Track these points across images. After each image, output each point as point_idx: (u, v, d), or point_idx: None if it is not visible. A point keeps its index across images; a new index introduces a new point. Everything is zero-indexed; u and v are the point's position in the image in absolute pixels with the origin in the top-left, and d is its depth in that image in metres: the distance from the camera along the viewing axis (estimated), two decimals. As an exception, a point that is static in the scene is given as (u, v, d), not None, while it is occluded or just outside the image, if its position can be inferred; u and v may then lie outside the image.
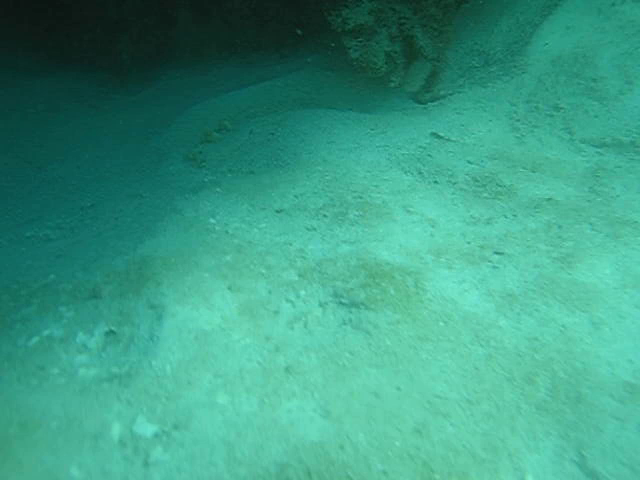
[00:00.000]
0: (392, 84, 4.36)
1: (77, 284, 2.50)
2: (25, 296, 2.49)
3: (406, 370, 2.04)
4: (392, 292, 2.31)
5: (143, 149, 4.48)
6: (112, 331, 2.20)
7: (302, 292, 2.40)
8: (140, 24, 5.18)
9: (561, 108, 3.78)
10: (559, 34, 4.13)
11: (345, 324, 2.24)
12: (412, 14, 4.23)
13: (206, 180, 3.75)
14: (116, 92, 5.50)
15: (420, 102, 4.44)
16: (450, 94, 4.34)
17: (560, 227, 2.75)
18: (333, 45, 4.54)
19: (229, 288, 2.40)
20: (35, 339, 2.19)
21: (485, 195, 3.23)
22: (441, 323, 2.21)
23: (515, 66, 4.14)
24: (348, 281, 2.41)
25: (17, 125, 4.93)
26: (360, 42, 4.19)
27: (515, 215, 2.94)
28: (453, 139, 3.83)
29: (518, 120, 3.88)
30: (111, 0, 4.82)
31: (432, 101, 4.42)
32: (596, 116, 3.65)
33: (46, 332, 2.24)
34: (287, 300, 2.38)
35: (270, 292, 2.41)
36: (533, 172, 3.40)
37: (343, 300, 2.33)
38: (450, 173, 3.45)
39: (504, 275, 2.49)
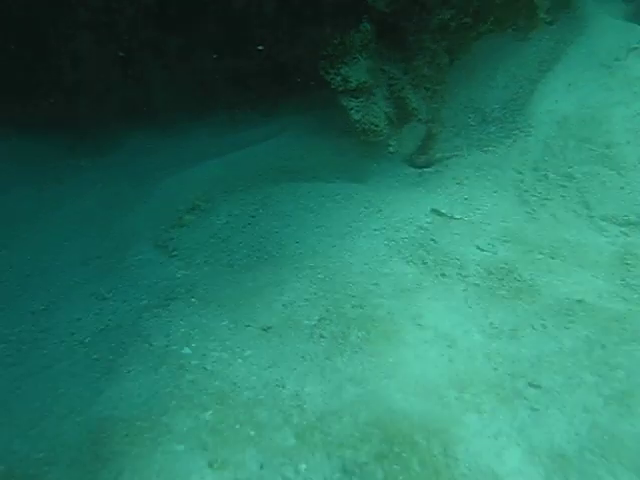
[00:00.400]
0: (391, 148, 3.94)
1: (12, 465, 1.97)
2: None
3: None
4: (417, 469, 1.83)
5: (108, 232, 3.97)
6: None
7: (302, 466, 1.91)
8: (101, 85, 4.69)
9: (574, 178, 3.39)
10: (561, 92, 3.77)
11: (361, 517, 1.75)
12: (402, 74, 3.83)
13: (179, 276, 3.26)
14: (78, 158, 4.98)
15: (415, 166, 4.02)
16: (447, 158, 3.94)
17: (604, 347, 2.32)
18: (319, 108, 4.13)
19: (210, 465, 1.90)
20: None
21: (503, 293, 2.79)
22: (484, 514, 1.73)
23: (517, 128, 3.76)
24: (359, 448, 1.93)
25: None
26: (361, 102, 3.77)
27: (544, 326, 2.51)
28: (457, 217, 3.41)
29: (526, 191, 3.48)
30: (66, 64, 4.32)
31: (427, 165, 4.01)
32: (614, 188, 3.27)
33: None
34: (284, 479, 1.88)
35: (262, 466, 1.92)
36: (552, 259, 2.99)
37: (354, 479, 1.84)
38: (459, 263, 3.02)
39: (547, 423, 2.04)
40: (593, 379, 2.19)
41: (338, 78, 3.60)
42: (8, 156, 5.08)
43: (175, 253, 3.49)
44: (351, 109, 3.73)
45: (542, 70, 3.84)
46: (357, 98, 3.78)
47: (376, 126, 3.78)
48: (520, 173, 3.58)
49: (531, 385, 2.22)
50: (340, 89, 3.63)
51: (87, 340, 2.79)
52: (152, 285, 3.22)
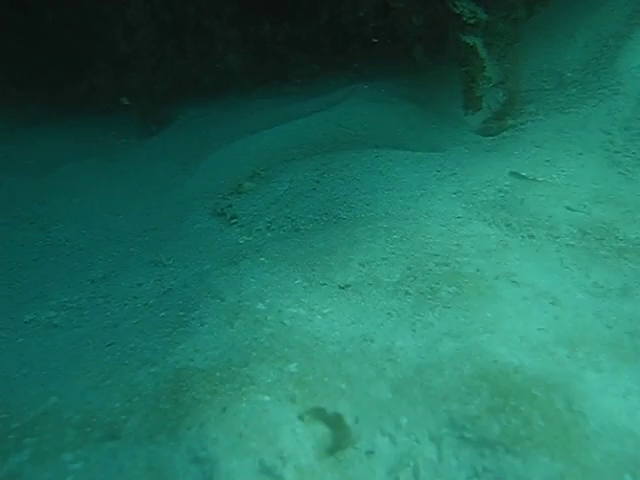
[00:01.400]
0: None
1: (88, 413, 1.81)
2: (17, 432, 1.81)
3: None
4: (540, 423, 1.59)
5: (162, 203, 3.85)
6: (139, 501, 1.50)
7: (403, 419, 1.69)
8: (154, 59, 4.59)
9: (674, 134, 3.08)
10: (654, 46, 3.45)
11: (478, 476, 1.52)
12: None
13: (241, 242, 3.09)
14: (129, 136, 4.90)
15: (487, 134, 3.77)
16: (521, 123, 3.66)
17: None
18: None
19: (300, 418, 1.70)
20: (26, 515, 1.50)
21: (604, 253, 2.52)
22: (627, 476, 1.47)
23: (603, 87, 3.47)
24: (468, 402, 1.70)
25: (18, 180, 4.33)
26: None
27: (661, 283, 2.22)
28: (539, 179, 3.14)
29: (618, 152, 3.19)
30: (120, 34, 4.23)
31: (499, 132, 3.75)
32: None
33: (43, 501, 1.55)
34: (383, 433, 1.67)
35: (357, 420, 1.71)
36: (657, 218, 2.69)
37: (467, 434, 1.61)
38: (548, 224, 2.75)
39: (684, 382, 1.76)
40: None
41: (467, 10, 3.31)
42: (61, 135, 5.04)
43: (235, 220, 3.32)
44: (477, 46, 3.41)
45: (632, 24, 3.53)
46: (477, 37, 3.48)
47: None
48: (609, 134, 3.29)
49: (656, 343, 1.95)
50: (471, 22, 3.31)
51: (151, 302, 2.65)
52: (214, 251, 3.07)
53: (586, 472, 1.48)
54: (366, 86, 4.15)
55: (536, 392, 1.70)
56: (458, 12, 3.22)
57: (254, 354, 1.94)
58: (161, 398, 1.77)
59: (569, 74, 3.73)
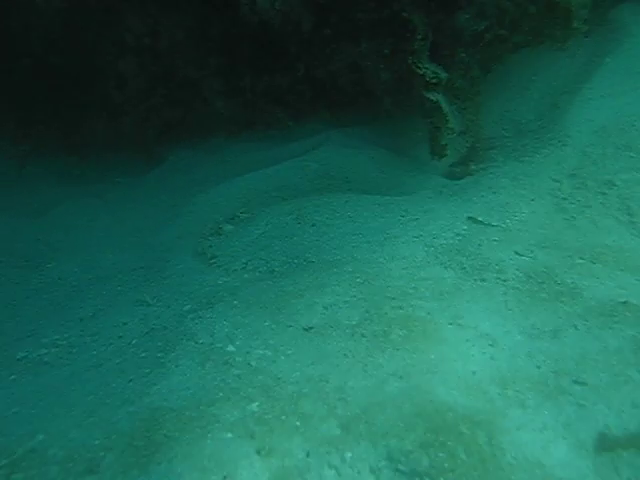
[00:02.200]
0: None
1: (71, 450, 2.05)
2: (5, 469, 2.04)
3: None
4: (463, 456, 1.84)
5: (149, 243, 4.11)
6: (113, 528, 1.74)
7: (348, 454, 1.94)
8: (144, 106, 4.90)
9: (614, 185, 3.38)
10: (599, 102, 3.78)
11: (408, 504, 1.76)
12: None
13: (220, 282, 3.34)
14: (120, 176, 5.19)
15: (451, 178, 4.07)
16: (482, 169, 3.97)
17: (650, 346, 2.29)
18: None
19: (258, 452, 1.94)
20: None
21: (543, 296, 2.79)
22: (532, 502, 1.73)
23: (554, 138, 3.78)
24: (404, 437, 1.95)
25: (13, 217, 4.59)
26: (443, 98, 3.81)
27: (588, 326, 2.49)
28: (494, 224, 3.43)
29: (564, 199, 3.48)
30: (112, 84, 4.55)
31: (462, 177, 4.05)
32: (656, 194, 3.24)
33: (30, 530, 1.78)
34: (330, 466, 1.91)
35: (308, 454, 1.95)
36: (594, 264, 2.97)
37: (401, 467, 1.86)
38: (497, 268, 3.02)
39: (595, 418, 2.02)
40: (640, 376, 2.16)
41: (429, 71, 3.61)
42: (55, 175, 5.32)
43: (214, 261, 3.59)
44: (440, 101, 3.72)
45: (578, 81, 3.87)
46: (439, 93, 3.80)
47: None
48: (557, 182, 3.59)
49: (576, 382, 2.21)
50: (433, 81, 3.62)
51: (134, 342, 2.88)
52: (194, 291, 3.32)
53: (498, 500, 1.73)
54: (340, 133, 4.46)
55: (463, 429, 1.95)
56: (421, 73, 3.54)
57: (221, 394, 2.19)
58: (136, 435, 2.01)
59: (526, 123, 4.04)
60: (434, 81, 3.55)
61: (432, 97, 3.61)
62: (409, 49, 3.47)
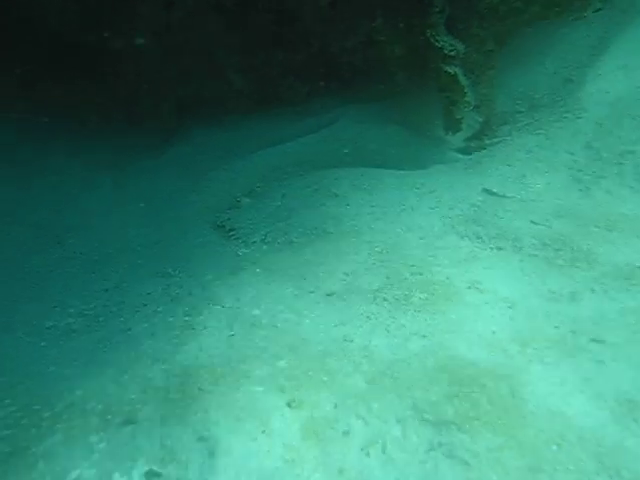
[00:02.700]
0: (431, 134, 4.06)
1: (109, 403, 2.14)
2: (49, 420, 2.13)
3: (521, 517, 1.64)
4: (487, 406, 1.92)
5: (168, 216, 4.18)
6: (154, 472, 1.83)
7: (374, 405, 2.01)
8: (158, 81, 4.95)
9: (630, 155, 3.41)
10: (614, 74, 3.80)
11: (434, 449, 1.84)
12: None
13: (240, 254, 3.41)
14: (137, 152, 5.24)
15: (463, 152, 4.11)
16: (497, 143, 4.01)
17: (667, 306, 2.35)
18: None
19: (288, 404, 2.02)
20: (63, 484, 1.83)
21: (560, 262, 2.85)
22: (554, 446, 1.80)
23: (568, 111, 3.81)
24: (429, 390, 2.03)
25: (33, 192, 4.67)
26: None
27: (605, 290, 2.55)
28: (509, 195, 3.48)
29: (580, 170, 3.52)
30: (129, 57, 4.59)
31: (476, 151, 4.09)
32: (671, 163, 3.28)
33: (75, 473, 1.87)
34: (357, 416, 1.99)
35: (336, 406, 2.03)
36: (610, 232, 3.02)
37: (427, 416, 1.94)
38: (513, 236, 3.08)
39: (614, 372, 2.09)
40: (657, 333, 2.23)
41: (447, 44, 3.66)
42: (70, 150, 5.38)
43: (233, 233, 3.65)
44: (457, 75, 3.77)
45: (593, 54, 3.89)
46: (457, 66, 3.84)
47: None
48: (572, 154, 3.63)
49: (594, 341, 2.28)
50: (451, 54, 3.67)
51: (160, 309, 2.96)
52: (215, 262, 3.38)
53: (521, 445, 1.81)
54: (354, 109, 4.50)
55: (485, 381, 2.03)
56: (439, 45, 3.58)
57: (250, 352, 2.27)
58: (171, 390, 2.10)
59: (540, 98, 4.07)
60: (452, 54, 3.59)
61: (450, 70, 3.64)
62: (427, 22, 3.50)
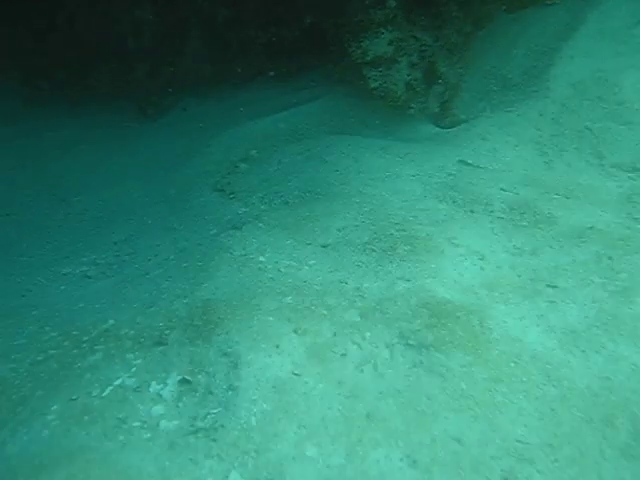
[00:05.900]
0: (411, 111, 4.43)
1: (140, 330, 2.49)
2: (88, 342, 2.48)
3: (484, 414, 2.07)
4: (460, 333, 2.34)
5: (170, 179, 4.47)
6: (186, 380, 2.20)
7: (367, 334, 2.42)
8: (156, 55, 5.18)
9: (588, 132, 3.85)
10: (578, 58, 4.21)
11: (416, 366, 2.27)
12: (433, 42, 4.30)
13: (240, 212, 3.75)
14: (135, 121, 5.46)
15: (441, 127, 4.50)
16: (472, 118, 4.40)
17: (610, 258, 2.80)
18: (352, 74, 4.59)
19: (295, 331, 2.42)
20: (109, 389, 2.19)
21: (524, 224, 3.28)
22: (512, 363, 2.24)
23: (536, 91, 4.22)
24: (412, 322, 2.44)
25: (39, 156, 4.90)
26: (380, 72, 4.26)
27: (560, 245, 3.00)
28: (482, 166, 3.89)
29: (545, 145, 3.95)
30: (129, 32, 4.81)
31: (453, 125, 4.48)
32: (624, 140, 3.73)
33: (118, 381, 2.23)
34: (353, 342, 2.40)
35: (335, 334, 2.43)
36: (568, 198, 3.46)
37: (410, 341, 2.36)
38: (485, 201, 3.50)
39: (563, 310, 2.54)
40: (601, 280, 2.68)
41: (358, 51, 4.11)
42: (74, 120, 5.57)
43: (233, 195, 3.98)
44: (369, 78, 4.23)
45: (561, 39, 4.29)
46: (376, 68, 4.25)
47: (394, 92, 4.28)
48: (539, 130, 4.05)
49: (549, 286, 2.72)
50: (359, 61, 4.12)
51: (172, 257, 3.30)
52: (218, 219, 3.72)
53: (486, 362, 2.24)
54: (342, 84, 4.83)
55: (459, 315, 2.45)
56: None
57: (259, 290, 2.65)
58: (194, 318, 2.47)
59: (511, 78, 4.47)
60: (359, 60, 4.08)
61: (364, 73, 4.09)
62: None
